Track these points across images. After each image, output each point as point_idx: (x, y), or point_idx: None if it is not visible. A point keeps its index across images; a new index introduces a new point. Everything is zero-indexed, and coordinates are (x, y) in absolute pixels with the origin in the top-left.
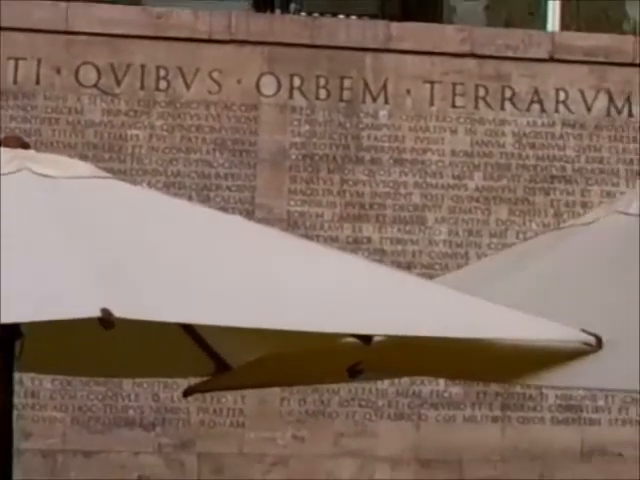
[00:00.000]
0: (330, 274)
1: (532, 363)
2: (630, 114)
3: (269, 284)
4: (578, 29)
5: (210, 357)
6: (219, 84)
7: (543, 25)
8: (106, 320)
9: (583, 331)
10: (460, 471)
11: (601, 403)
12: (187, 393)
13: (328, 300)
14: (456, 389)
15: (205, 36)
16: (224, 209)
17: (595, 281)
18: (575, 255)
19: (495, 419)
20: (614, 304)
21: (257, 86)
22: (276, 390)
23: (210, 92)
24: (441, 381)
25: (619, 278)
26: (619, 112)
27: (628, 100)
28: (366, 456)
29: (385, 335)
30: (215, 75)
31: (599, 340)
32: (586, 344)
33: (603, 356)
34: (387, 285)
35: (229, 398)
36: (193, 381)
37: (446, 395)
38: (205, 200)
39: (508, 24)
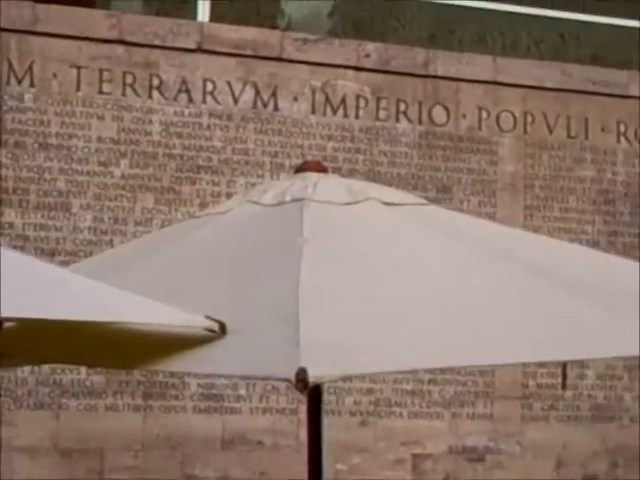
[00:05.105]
0: None
1: (162, 349)
2: (276, 108)
3: None
4: (230, 21)
5: None
6: None
7: (194, 15)
8: None
9: (207, 317)
10: (101, 460)
11: (242, 392)
12: None
13: None
14: (98, 378)
15: None
16: None
17: (223, 269)
18: (207, 243)
19: (137, 408)
20: (242, 292)
21: None
22: None
23: None
24: (82, 370)
25: (247, 266)
26: (265, 105)
27: (274, 94)
28: (4, 446)
29: (15, 320)
30: None
31: (222, 326)
32: (210, 330)
33: (231, 342)
34: (16, 270)
35: None
36: None
37: (87, 384)
38: None
39: (161, 13)
